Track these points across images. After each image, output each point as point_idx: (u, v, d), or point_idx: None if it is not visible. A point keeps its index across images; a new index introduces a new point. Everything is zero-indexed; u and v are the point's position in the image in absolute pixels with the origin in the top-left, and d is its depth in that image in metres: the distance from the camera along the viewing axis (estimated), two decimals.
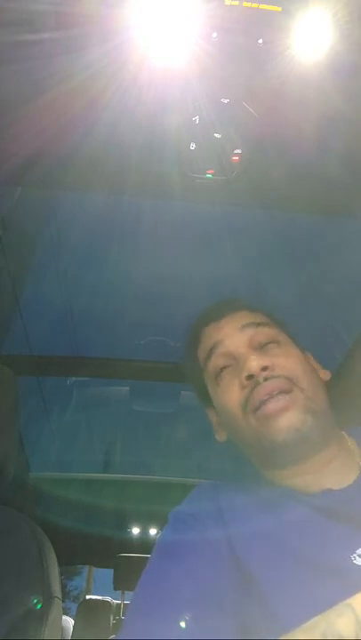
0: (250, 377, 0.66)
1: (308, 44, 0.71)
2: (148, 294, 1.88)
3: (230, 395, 0.68)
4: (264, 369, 0.66)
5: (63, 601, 0.80)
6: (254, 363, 0.66)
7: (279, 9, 0.68)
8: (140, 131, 0.87)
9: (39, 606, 0.71)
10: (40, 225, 1.71)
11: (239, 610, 0.53)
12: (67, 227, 1.77)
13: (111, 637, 2.54)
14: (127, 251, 1.77)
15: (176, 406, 2.10)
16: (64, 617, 2.43)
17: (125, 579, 2.66)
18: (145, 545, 2.42)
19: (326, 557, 0.55)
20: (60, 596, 0.77)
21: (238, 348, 0.71)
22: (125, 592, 3.05)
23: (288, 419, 0.62)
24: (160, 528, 0.74)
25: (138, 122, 0.85)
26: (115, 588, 2.87)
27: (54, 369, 1.71)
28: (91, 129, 0.86)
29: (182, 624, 0.48)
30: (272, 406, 0.63)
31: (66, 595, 8.81)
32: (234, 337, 0.72)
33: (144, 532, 2.71)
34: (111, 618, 2.77)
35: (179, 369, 1.60)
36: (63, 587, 2.09)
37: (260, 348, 0.70)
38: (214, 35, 0.71)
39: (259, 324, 0.73)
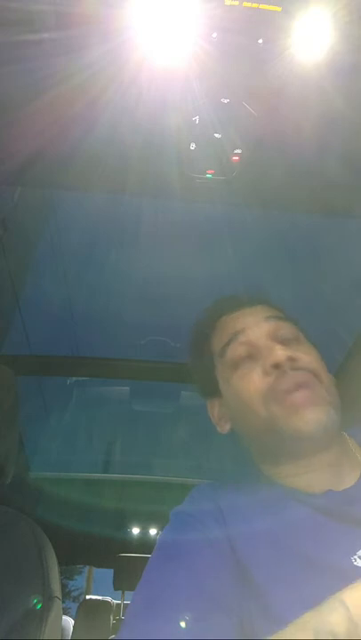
0: (276, 366, 0.66)
1: (308, 44, 0.71)
2: (148, 294, 1.88)
3: (251, 381, 0.67)
4: (290, 359, 0.66)
5: (63, 601, 0.80)
6: (281, 352, 0.66)
7: (279, 9, 0.68)
8: (140, 131, 0.87)
9: (39, 606, 0.71)
10: (40, 225, 1.71)
11: (239, 610, 0.53)
12: (67, 227, 1.77)
13: (111, 637, 2.54)
14: (127, 251, 1.77)
15: (176, 406, 2.10)
16: (64, 617, 2.43)
17: (125, 579, 2.66)
18: (145, 545, 2.42)
19: (327, 558, 0.55)
20: (60, 596, 0.77)
21: (261, 337, 0.71)
22: (125, 592, 3.05)
23: (316, 412, 0.63)
24: (160, 528, 0.74)
25: (138, 122, 0.85)
26: (115, 588, 2.86)
27: (54, 369, 1.71)
28: (91, 129, 0.86)
29: (182, 624, 0.48)
30: (301, 397, 0.63)
31: (66, 595, 8.81)
32: (256, 327, 0.72)
33: (144, 531, 2.71)
34: (111, 618, 2.76)
35: (179, 369, 1.61)
36: (63, 587, 2.10)
37: (282, 341, 0.70)
38: (214, 35, 0.71)
39: (280, 318, 0.74)
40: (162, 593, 0.53)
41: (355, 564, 0.53)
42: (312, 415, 0.62)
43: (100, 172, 0.94)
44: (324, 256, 1.80)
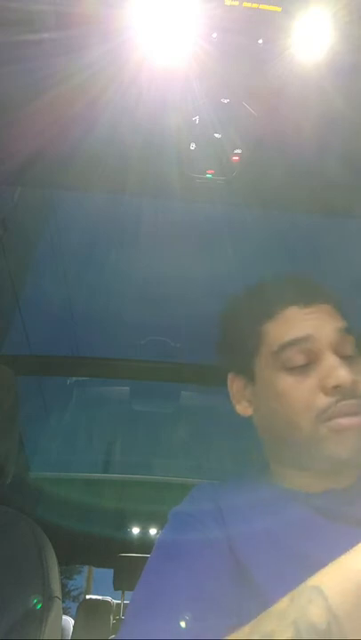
0: (338, 388, 0.63)
1: (308, 43, 0.71)
2: (148, 294, 1.89)
3: (305, 394, 0.64)
4: (353, 384, 0.63)
5: (63, 601, 0.80)
6: (347, 375, 0.63)
7: (279, 9, 0.68)
8: (140, 131, 0.87)
9: (39, 606, 0.71)
10: (40, 225, 1.71)
11: (239, 610, 0.53)
12: (67, 227, 1.77)
13: (111, 637, 2.54)
14: (127, 251, 1.77)
15: (176, 406, 2.10)
16: (64, 617, 2.43)
17: (125, 579, 2.66)
18: (145, 545, 2.42)
19: (326, 558, 0.55)
20: (60, 595, 0.77)
21: (326, 348, 0.66)
22: (125, 592, 3.05)
23: (359, 439, 0.61)
24: (160, 528, 0.73)
25: (138, 122, 0.85)
26: (115, 588, 2.86)
27: (54, 369, 1.71)
28: (91, 129, 0.86)
29: (182, 624, 0.48)
30: (350, 423, 0.61)
31: (66, 595, 8.81)
32: (325, 336, 0.67)
33: (144, 531, 2.71)
34: (111, 618, 2.77)
35: (179, 369, 1.61)
36: (63, 587, 2.09)
37: (346, 359, 0.66)
38: (214, 35, 0.71)
39: (347, 331, 0.70)
40: (161, 593, 0.53)
41: None
42: (355, 443, 0.61)
43: (100, 172, 0.94)
44: (324, 256, 1.80)
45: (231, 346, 0.77)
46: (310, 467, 0.65)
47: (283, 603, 0.40)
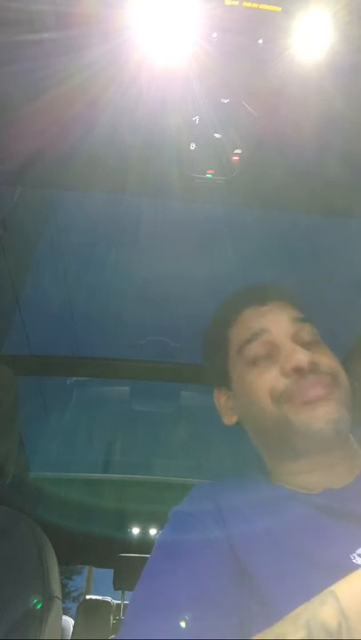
0: (297, 369, 0.65)
1: (308, 43, 0.71)
2: (148, 294, 1.88)
3: (267, 380, 0.67)
4: (311, 364, 0.66)
5: (63, 601, 0.80)
6: (304, 356, 0.66)
7: (279, 9, 0.68)
8: (140, 131, 0.87)
9: (39, 606, 0.71)
10: (40, 225, 1.71)
11: (239, 610, 0.53)
12: (67, 227, 1.77)
13: (111, 637, 2.54)
14: (127, 251, 1.77)
15: (176, 406, 2.10)
16: (64, 617, 2.43)
17: (125, 579, 2.66)
18: (145, 545, 2.42)
19: (326, 556, 0.55)
20: (60, 595, 0.77)
21: (284, 338, 0.70)
22: (125, 592, 3.05)
23: (328, 409, 0.63)
24: (160, 528, 0.73)
25: (138, 122, 0.85)
26: (115, 588, 2.86)
27: (54, 369, 1.71)
28: (91, 129, 0.86)
29: (182, 624, 0.48)
30: (314, 393, 0.64)
31: (66, 595, 8.79)
32: (281, 327, 0.71)
33: (144, 531, 2.71)
34: (111, 618, 2.77)
35: (179, 369, 1.61)
36: (63, 587, 2.09)
37: (304, 344, 0.70)
38: (214, 35, 0.71)
39: (304, 320, 0.73)
40: (161, 593, 0.53)
41: (354, 561, 0.53)
42: (324, 412, 0.63)
43: (100, 172, 0.94)
44: (324, 256, 1.80)
45: (209, 361, 0.82)
46: (300, 451, 0.66)
47: (300, 608, 0.41)
